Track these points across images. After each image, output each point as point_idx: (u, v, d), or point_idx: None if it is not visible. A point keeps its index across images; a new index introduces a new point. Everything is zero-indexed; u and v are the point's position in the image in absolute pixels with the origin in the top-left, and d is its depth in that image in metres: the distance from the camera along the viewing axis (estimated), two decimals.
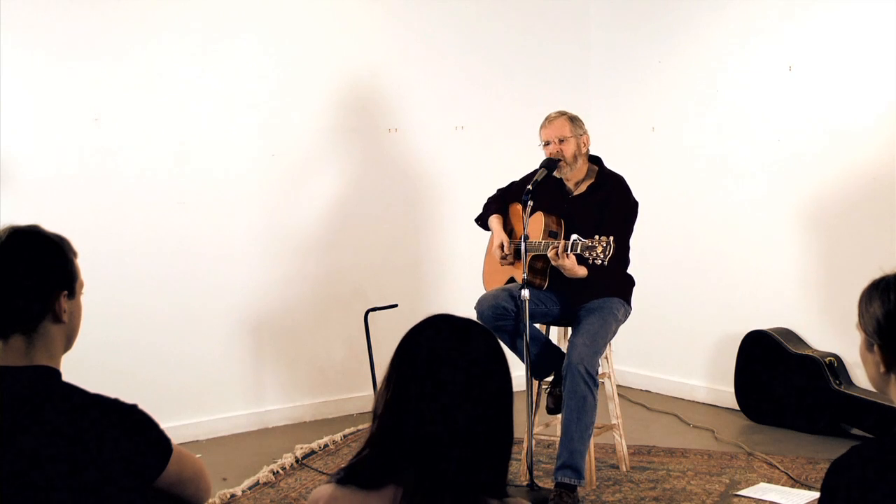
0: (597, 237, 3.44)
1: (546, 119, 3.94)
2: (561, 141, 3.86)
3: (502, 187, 4.18)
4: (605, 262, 3.43)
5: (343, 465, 1.64)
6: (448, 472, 1.54)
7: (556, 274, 3.80)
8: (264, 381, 4.92)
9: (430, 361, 1.58)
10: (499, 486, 1.60)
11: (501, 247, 3.96)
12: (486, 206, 4.18)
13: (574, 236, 3.51)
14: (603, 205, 3.84)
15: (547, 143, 3.89)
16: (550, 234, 3.81)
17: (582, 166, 3.93)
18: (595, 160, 3.99)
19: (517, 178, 4.10)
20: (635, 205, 3.91)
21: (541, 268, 3.82)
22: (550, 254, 3.60)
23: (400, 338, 1.69)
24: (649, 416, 5.03)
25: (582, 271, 3.61)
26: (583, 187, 3.93)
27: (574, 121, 3.91)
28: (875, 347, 1.69)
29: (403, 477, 1.54)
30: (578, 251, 3.48)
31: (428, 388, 1.56)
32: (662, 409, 5.12)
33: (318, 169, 5.04)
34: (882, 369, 1.69)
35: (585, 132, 3.93)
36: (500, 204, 4.12)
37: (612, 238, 3.42)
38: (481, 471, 1.57)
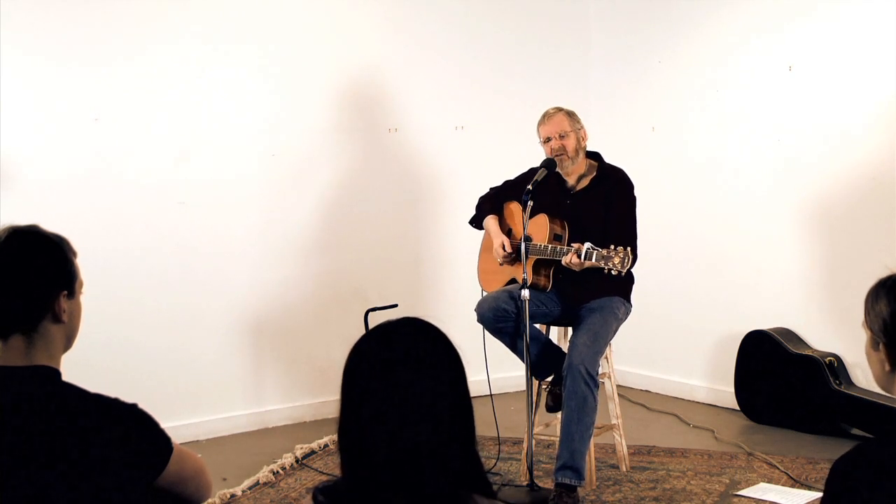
0: (612, 247, 3.42)
1: (544, 115, 3.93)
2: (562, 136, 3.86)
3: (495, 186, 4.17)
4: (623, 273, 3.42)
5: (325, 483, 1.60)
6: (430, 487, 1.49)
7: (558, 274, 3.81)
8: (264, 381, 4.92)
9: (374, 377, 1.52)
10: (482, 482, 1.55)
11: (503, 247, 3.94)
12: (478, 207, 4.17)
13: (587, 245, 3.49)
14: (606, 200, 3.84)
15: (548, 140, 3.89)
16: (555, 238, 3.80)
17: (582, 161, 3.93)
18: (594, 156, 3.99)
19: (512, 177, 4.10)
20: (636, 199, 3.91)
21: (545, 270, 3.82)
22: (567, 262, 3.56)
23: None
24: (649, 416, 5.03)
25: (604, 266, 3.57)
26: (584, 182, 3.93)
27: (571, 115, 3.91)
28: (881, 346, 1.69)
29: (388, 500, 1.50)
30: (593, 260, 3.46)
31: (380, 403, 1.51)
32: (662, 409, 5.12)
33: (318, 169, 5.04)
34: (887, 368, 1.70)
35: (583, 126, 3.94)
36: (493, 204, 4.11)
37: (629, 249, 3.41)
38: (459, 472, 1.53)
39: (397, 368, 1.51)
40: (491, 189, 4.18)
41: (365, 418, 1.52)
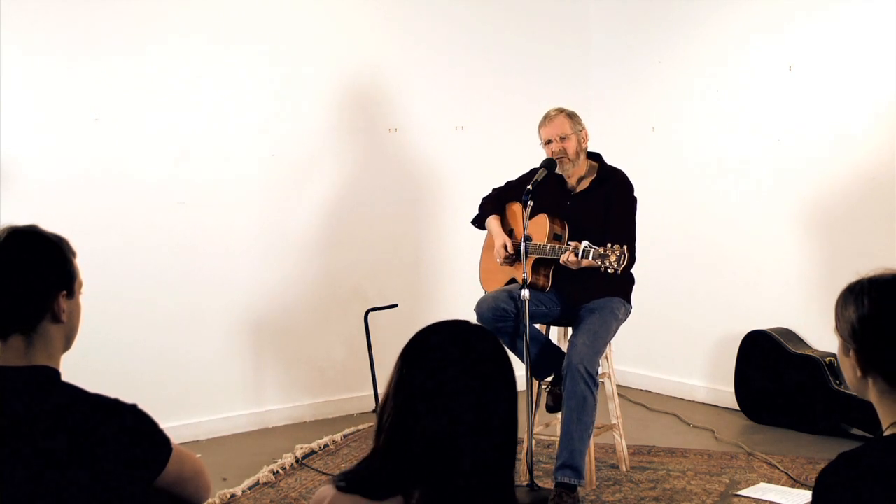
0: (609, 245, 3.42)
1: (545, 117, 3.93)
2: (562, 138, 3.85)
3: (498, 187, 4.17)
4: (619, 272, 3.42)
5: (346, 470, 1.62)
6: (459, 485, 1.52)
7: (558, 274, 3.81)
8: (264, 381, 4.92)
9: (438, 370, 1.55)
10: (508, 495, 1.59)
11: (505, 247, 3.94)
12: (481, 207, 4.17)
13: (585, 243, 3.49)
14: (606, 201, 3.83)
15: (548, 142, 3.89)
16: (555, 238, 3.80)
17: (583, 163, 3.93)
18: (595, 156, 3.99)
19: (513, 178, 4.10)
20: (636, 200, 3.91)
21: (544, 270, 3.81)
22: (564, 260, 3.56)
23: (400, 338, 1.67)
24: (649, 416, 5.03)
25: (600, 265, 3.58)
26: (585, 184, 3.93)
27: (573, 117, 3.90)
28: (851, 352, 1.69)
29: (411, 489, 1.52)
30: (591, 258, 3.46)
31: (437, 397, 1.53)
32: (662, 409, 5.12)
33: (318, 169, 5.04)
34: (859, 373, 1.70)
35: (584, 127, 3.93)
36: (496, 204, 4.12)
37: (625, 247, 3.40)
38: (490, 481, 1.55)
39: (458, 370, 1.55)
40: (493, 190, 4.18)
41: (415, 409, 1.55)
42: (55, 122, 4.33)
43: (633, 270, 3.94)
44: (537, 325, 3.89)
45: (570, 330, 3.88)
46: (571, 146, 3.86)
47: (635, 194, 3.91)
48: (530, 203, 3.61)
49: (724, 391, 5.07)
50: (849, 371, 1.72)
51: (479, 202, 4.20)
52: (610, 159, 4.03)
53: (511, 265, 3.97)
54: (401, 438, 1.54)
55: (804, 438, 4.47)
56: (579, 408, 3.56)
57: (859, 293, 1.68)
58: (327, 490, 1.58)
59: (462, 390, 1.54)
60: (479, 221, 4.18)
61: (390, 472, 1.53)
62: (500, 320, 3.72)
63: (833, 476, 1.58)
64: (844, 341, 1.70)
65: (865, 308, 1.66)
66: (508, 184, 4.12)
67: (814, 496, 1.60)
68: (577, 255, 3.50)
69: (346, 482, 1.56)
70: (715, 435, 4.59)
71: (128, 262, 4.47)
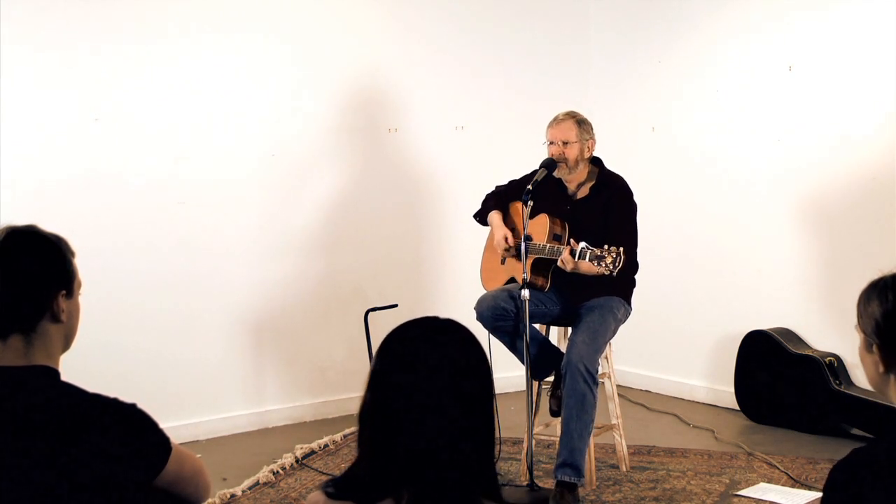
0: (606, 247, 3.42)
1: (554, 118, 3.91)
2: (565, 143, 3.84)
3: (501, 185, 4.17)
4: (614, 273, 3.42)
5: (335, 476, 1.61)
6: (444, 484, 1.52)
7: (557, 274, 3.80)
8: (264, 381, 4.92)
9: (413, 366, 1.54)
10: (494, 488, 1.58)
11: (505, 239, 3.94)
12: (484, 202, 4.16)
13: (582, 244, 3.49)
14: (606, 208, 3.83)
15: (551, 143, 3.89)
16: (555, 238, 3.80)
17: (583, 170, 3.92)
18: (595, 161, 3.98)
19: (517, 177, 4.10)
20: (636, 206, 3.91)
21: (544, 269, 3.81)
22: (562, 264, 3.57)
23: None
24: (649, 416, 5.03)
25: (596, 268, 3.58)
26: (585, 189, 3.92)
27: (582, 124, 3.88)
28: (874, 348, 1.69)
29: (400, 491, 1.51)
30: (587, 259, 3.46)
31: (413, 394, 1.52)
32: (662, 409, 5.12)
33: (318, 169, 5.04)
34: (881, 369, 1.70)
35: (592, 137, 3.90)
36: (498, 200, 4.11)
37: (622, 249, 3.41)
38: (475, 475, 1.55)
39: (434, 364, 1.54)
40: (496, 187, 4.18)
41: (393, 405, 1.54)
42: (55, 122, 4.33)
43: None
44: (536, 325, 3.89)
45: (569, 330, 3.88)
46: (572, 153, 3.84)
47: (635, 199, 3.91)
48: (530, 203, 3.62)
49: (724, 391, 5.07)
50: (871, 368, 1.72)
51: (478, 202, 4.19)
52: (610, 159, 4.02)
53: (514, 258, 3.96)
54: (382, 439, 1.53)
55: (804, 438, 4.47)
56: (579, 406, 3.56)
57: (883, 289, 1.68)
58: (317, 496, 1.58)
59: (437, 385, 1.53)
60: (481, 216, 4.17)
61: (377, 474, 1.53)
62: (500, 319, 3.72)
63: (845, 471, 1.58)
64: (867, 337, 1.70)
65: (890, 303, 1.66)
66: (512, 183, 4.11)
67: (825, 490, 1.61)
68: (573, 254, 3.50)
69: (336, 488, 1.56)
70: (715, 435, 4.58)
71: (127, 263, 4.47)
